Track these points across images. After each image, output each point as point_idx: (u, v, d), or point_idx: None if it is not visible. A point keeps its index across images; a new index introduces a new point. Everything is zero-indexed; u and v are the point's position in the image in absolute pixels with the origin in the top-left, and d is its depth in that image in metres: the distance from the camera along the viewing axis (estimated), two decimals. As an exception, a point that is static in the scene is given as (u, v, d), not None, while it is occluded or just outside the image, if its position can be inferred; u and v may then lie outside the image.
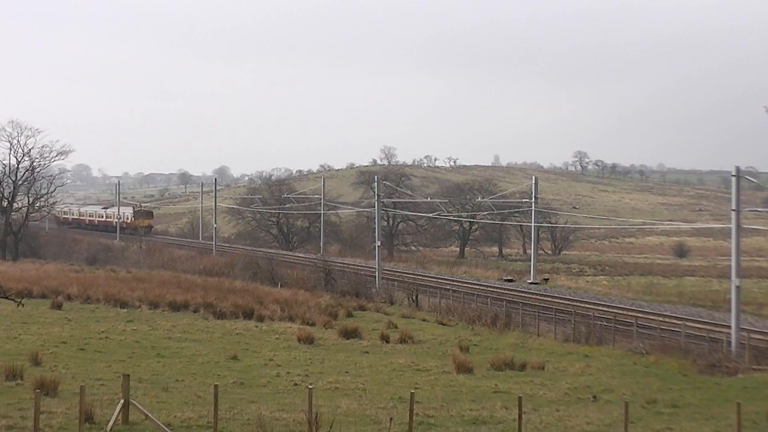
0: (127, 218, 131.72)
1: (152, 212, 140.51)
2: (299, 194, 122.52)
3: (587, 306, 57.76)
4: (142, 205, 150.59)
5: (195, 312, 49.60)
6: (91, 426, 20.28)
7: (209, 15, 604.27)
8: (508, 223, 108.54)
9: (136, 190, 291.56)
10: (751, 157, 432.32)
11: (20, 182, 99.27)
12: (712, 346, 41.55)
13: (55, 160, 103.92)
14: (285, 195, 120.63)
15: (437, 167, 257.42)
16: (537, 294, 66.18)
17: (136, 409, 20.35)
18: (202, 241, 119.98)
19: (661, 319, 51.53)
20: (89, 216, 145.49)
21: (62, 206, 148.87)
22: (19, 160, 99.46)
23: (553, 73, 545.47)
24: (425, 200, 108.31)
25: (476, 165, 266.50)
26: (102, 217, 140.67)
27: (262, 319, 47.13)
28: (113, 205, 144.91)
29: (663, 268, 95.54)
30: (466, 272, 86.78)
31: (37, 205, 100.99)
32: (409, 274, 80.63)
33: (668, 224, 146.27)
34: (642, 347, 40.51)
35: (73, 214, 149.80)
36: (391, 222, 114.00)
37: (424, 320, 51.32)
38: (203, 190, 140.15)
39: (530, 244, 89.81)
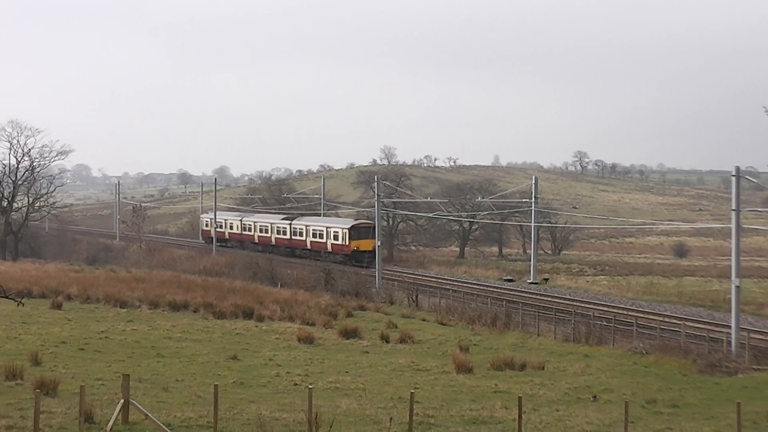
0: (338, 237, 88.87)
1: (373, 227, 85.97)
2: (299, 194, 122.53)
3: (587, 306, 57.80)
4: (359, 219, 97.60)
5: (195, 312, 49.60)
6: (91, 426, 20.26)
7: (209, 16, 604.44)
8: (508, 223, 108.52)
9: (136, 190, 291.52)
10: (751, 157, 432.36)
11: (20, 182, 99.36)
12: (712, 346, 41.57)
13: (55, 160, 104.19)
14: (285, 195, 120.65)
15: (437, 167, 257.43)
16: (537, 294, 66.20)
17: (136, 409, 20.34)
18: (202, 241, 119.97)
19: (661, 319, 51.59)
20: (261, 231, 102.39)
21: (212, 215, 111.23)
22: (19, 160, 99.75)
23: (553, 73, 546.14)
24: (425, 200, 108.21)
25: (476, 165, 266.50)
26: (284, 233, 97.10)
27: (262, 319, 47.13)
28: (302, 215, 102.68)
29: (663, 268, 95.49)
30: (466, 272, 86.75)
31: (37, 205, 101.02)
32: (409, 274, 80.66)
33: (668, 224, 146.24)
34: (642, 347, 40.51)
35: (231, 228, 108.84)
36: (391, 222, 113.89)
37: (424, 320, 51.33)
38: (203, 190, 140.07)
39: (530, 244, 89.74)
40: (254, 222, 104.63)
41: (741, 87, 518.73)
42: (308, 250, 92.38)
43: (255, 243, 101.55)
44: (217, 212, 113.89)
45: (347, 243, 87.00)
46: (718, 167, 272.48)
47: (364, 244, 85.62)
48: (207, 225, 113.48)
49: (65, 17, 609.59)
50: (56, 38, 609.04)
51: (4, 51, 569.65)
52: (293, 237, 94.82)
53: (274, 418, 22.33)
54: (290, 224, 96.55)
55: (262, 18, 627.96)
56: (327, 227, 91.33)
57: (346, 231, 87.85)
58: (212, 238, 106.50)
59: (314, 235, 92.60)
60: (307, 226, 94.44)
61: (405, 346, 40.34)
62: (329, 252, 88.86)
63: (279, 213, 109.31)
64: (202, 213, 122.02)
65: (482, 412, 24.77)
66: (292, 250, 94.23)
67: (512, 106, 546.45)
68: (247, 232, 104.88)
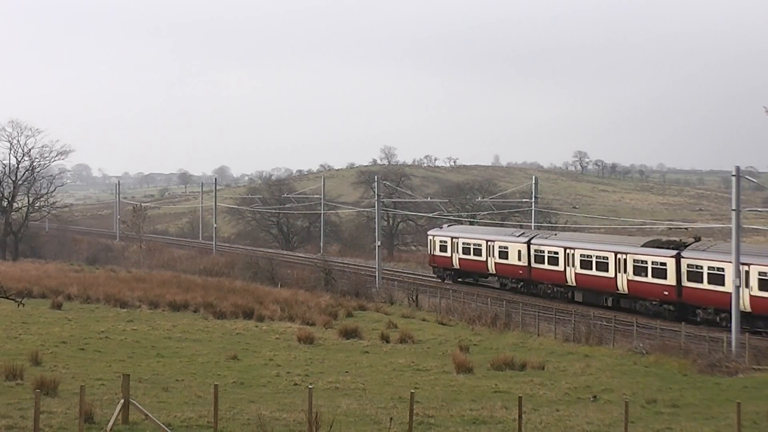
0: None
1: None
2: (299, 194, 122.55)
3: (587, 306, 57.77)
4: None
5: (195, 312, 49.61)
6: (91, 426, 20.26)
7: (208, 15, 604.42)
8: (508, 223, 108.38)
9: (136, 190, 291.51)
10: (751, 157, 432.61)
11: (20, 182, 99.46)
12: (712, 346, 41.55)
13: (55, 160, 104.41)
14: (285, 195, 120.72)
15: (437, 167, 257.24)
16: (537, 294, 66.07)
17: (136, 409, 20.35)
18: (202, 241, 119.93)
19: (661, 319, 51.58)
20: (580, 265, 59.18)
21: (450, 231, 74.85)
22: (19, 160, 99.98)
23: (553, 72, 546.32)
24: (425, 200, 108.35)
25: (476, 165, 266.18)
26: (660, 275, 53.23)
27: (262, 319, 47.15)
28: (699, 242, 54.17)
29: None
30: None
31: (37, 205, 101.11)
32: (409, 274, 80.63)
33: (668, 224, 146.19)
34: (642, 347, 40.51)
35: (495, 253, 67.59)
36: (391, 222, 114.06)
37: (424, 320, 51.34)
38: (203, 190, 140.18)
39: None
40: (564, 248, 61.11)
41: (741, 87, 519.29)
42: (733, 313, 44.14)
43: (564, 285, 61.06)
44: (458, 226, 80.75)
45: None
46: (718, 167, 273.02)
47: None
48: (444, 249, 74.11)
49: (66, 18, 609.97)
50: (57, 39, 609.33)
51: (7, 51, 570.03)
52: (690, 283, 51.31)
53: (274, 418, 22.33)
54: (679, 257, 52.17)
55: (263, 19, 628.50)
56: None
57: None
58: (453, 269, 73.20)
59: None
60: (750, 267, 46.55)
61: (405, 346, 40.35)
62: None
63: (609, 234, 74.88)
64: (434, 229, 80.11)
65: (482, 412, 24.78)
66: (679, 308, 52.19)
67: (512, 106, 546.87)
68: (542, 265, 62.80)
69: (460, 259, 72.52)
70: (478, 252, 70.04)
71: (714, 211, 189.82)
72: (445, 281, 73.12)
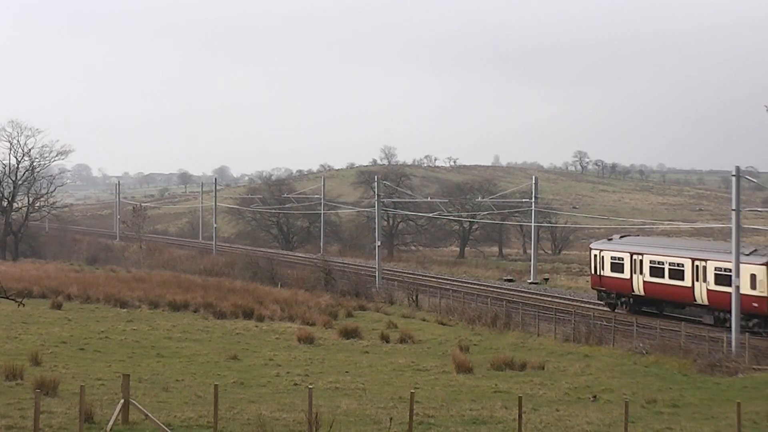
0: None
1: None
2: (299, 194, 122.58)
3: (587, 306, 57.79)
4: None
5: (195, 312, 49.62)
6: (91, 426, 20.27)
7: (208, 15, 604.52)
8: (508, 223, 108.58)
9: (136, 190, 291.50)
10: (751, 157, 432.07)
11: (20, 182, 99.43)
12: (712, 346, 41.56)
13: (55, 160, 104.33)
14: (285, 195, 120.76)
15: (437, 167, 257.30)
16: (537, 294, 66.17)
17: (136, 408, 20.35)
18: (202, 241, 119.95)
19: (661, 318, 51.58)
20: None
21: (625, 245, 57.71)
22: (19, 160, 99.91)
23: (553, 73, 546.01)
24: (425, 200, 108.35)
25: (476, 165, 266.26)
26: None
27: (262, 319, 47.16)
28: None
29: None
30: (466, 272, 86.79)
31: (37, 205, 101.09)
32: (409, 274, 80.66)
33: (668, 224, 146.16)
34: (642, 347, 40.52)
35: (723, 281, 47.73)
36: (391, 222, 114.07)
37: (424, 320, 51.34)
38: (203, 190, 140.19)
39: (530, 244, 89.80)
40: None
41: (741, 87, 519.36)
42: None
43: None
44: (639, 238, 63.32)
45: None
46: (718, 167, 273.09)
47: None
48: (618, 268, 56.63)
49: (67, 18, 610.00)
50: (57, 40, 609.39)
51: (8, 51, 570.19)
52: None
53: (274, 418, 22.34)
54: None
55: (264, 19, 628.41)
56: None
57: None
58: (633, 296, 55.43)
59: None
60: None
61: (405, 346, 40.35)
62: None
63: None
64: (599, 241, 63.16)
65: (482, 412, 24.79)
66: None
67: (512, 106, 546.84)
68: None
69: (645, 282, 54.21)
70: (677, 274, 51.90)
71: (714, 211, 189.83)
72: (617, 310, 55.54)
